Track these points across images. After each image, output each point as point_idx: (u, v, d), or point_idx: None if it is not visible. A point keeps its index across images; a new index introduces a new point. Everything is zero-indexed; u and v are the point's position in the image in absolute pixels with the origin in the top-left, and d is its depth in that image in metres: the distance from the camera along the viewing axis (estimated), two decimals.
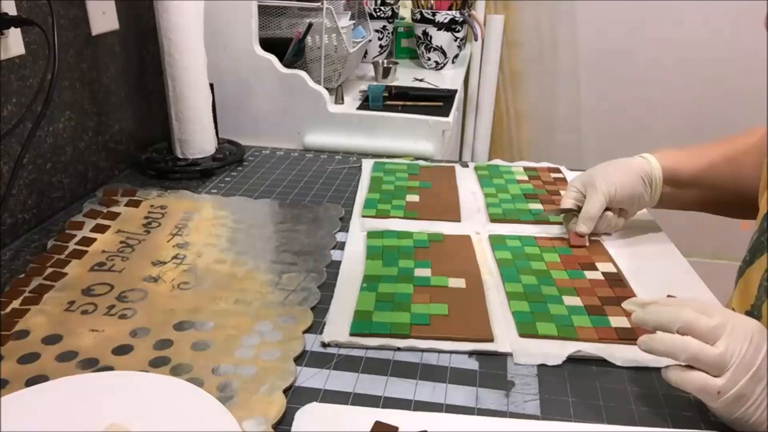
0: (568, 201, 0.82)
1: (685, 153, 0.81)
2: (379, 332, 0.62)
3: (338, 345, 0.61)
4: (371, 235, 0.81)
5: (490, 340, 0.61)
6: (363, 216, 0.87)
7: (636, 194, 0.79)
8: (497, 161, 1.07)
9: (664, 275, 0.75)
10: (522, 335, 0.62)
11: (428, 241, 0.80)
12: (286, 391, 0.54)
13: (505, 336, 0.62)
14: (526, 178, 1.01)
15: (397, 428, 0.50)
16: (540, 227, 0.85)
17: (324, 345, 0.61)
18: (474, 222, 0.86)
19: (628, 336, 0.62)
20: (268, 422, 0.50)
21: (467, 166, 1.06)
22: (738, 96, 1.93)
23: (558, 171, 1.04)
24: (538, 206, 0.91)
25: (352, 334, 0.62)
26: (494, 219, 0.87)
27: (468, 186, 0.98)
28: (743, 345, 0.49)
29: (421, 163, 1.07)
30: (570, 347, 0.60)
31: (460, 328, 0.63)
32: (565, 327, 0.63)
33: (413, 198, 0.93)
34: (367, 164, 1.04)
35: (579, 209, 0.81)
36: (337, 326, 0.63)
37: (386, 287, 0.70)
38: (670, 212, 0.84)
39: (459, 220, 0.87)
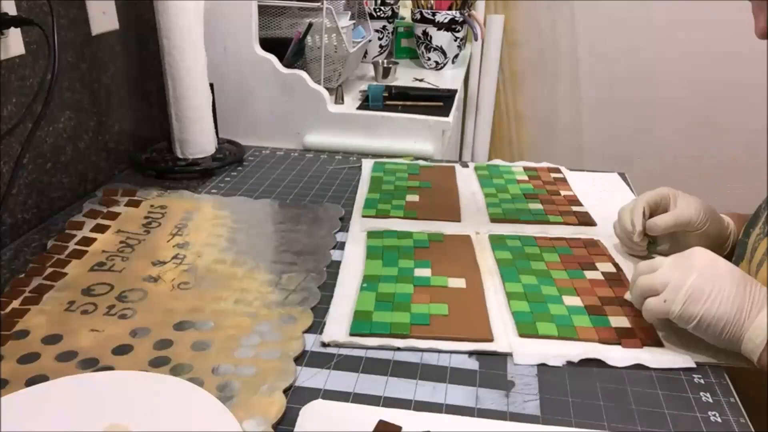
0: (635, 212, 0.76)
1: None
2: (379, 332, 0.62)
3: (338, 345, 0.61)
4: (371, 235, 0.81)
5: (490, 340, 0.61)
6: (363, 216, 0.87)
7: (720, 236, 0.76)
8: (497, 161, 1.07)
9: None
10: (522, 335, 0.62)
11: (428, 241, 0.80)
12: (286, 391, 0.54)
13: (505, 336, 0.62)
14: (526, 178, 1.01)
15: (400, 428, 0.50)
16: (540, 227, 0.85)
17: (324, 345, 0.61)
18: (474, 222, 0.86)
19: (628, 335, 0.62)
20: (268, 422, 0.50)
21: (467, 166, 1.06)
22: (739, 95, 1.93)
23: (558, 171, 1.04)
24: (538, 206, 0.90)
25: (352, 334, 0.62)
26: (494, 219, 0.87)
27: (468, 186, 0.98)
28: (679, 262, 0.59)
29: (421, 163, 1.07)
30: (570, 347, 0.60)
31: (460, 328, 0.63)
32: (565, 327, 0.63)
33: (413, 198, 0.93)
34: (367, 164, 1.04)
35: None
36: (337, 326, 0.63)
37: (386, 287, 0.70)
38: None
39: (459, 220, 0.87)
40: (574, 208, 0.90)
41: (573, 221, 0.86)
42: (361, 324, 0.63)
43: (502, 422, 0.52)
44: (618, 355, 0.60)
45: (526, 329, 0.63)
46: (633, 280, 0.63)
